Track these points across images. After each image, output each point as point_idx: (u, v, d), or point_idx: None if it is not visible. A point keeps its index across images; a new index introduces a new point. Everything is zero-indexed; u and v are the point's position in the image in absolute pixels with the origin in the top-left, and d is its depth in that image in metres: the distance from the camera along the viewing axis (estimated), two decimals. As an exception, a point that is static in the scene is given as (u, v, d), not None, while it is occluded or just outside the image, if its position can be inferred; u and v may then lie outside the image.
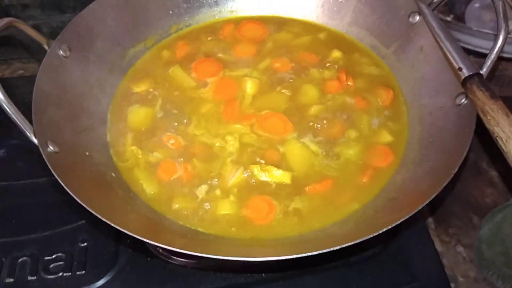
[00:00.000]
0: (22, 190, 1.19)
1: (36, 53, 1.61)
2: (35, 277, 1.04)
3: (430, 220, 1.22)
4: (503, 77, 1.55)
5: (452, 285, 1.08)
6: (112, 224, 0.83)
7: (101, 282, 1.03)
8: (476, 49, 1.46)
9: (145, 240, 0.82)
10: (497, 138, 0.87)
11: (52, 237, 1.10)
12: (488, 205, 1.27)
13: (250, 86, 1.19)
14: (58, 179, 0.87)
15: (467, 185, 1.30)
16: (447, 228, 1.22)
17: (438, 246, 1.17)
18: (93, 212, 0.85)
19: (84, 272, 1.05)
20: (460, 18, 1.62)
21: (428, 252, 1.10)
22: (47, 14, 1.60)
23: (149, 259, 1.07)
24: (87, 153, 1.04)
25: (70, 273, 1.05)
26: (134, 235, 0.82)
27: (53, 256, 1.07)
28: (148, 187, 1.03)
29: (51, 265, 1.06)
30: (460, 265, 1.16)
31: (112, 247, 1.09)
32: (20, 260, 1.07)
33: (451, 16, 1.63)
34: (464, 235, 1.21)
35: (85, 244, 1.09)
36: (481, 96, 0.93)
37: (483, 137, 1.33)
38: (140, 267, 1.06)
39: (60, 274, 1.04)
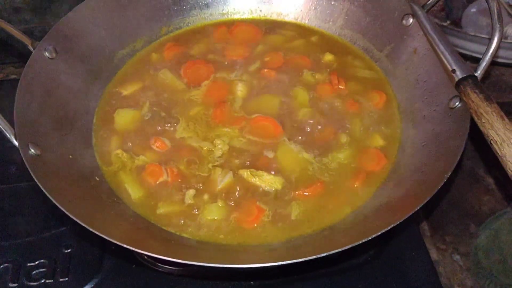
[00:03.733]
0: (5, 195, 1.17)
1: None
2: (17, 284, 1.02)
3: (426, 227, 1.20)
4: (500, 82, 1.54)
5: (449, 294, 1.05)
6: (94, 231, 0.81)
7: None
8: (473, 55, 1.44)
9: (127, 247, 0.80)
10: (491, 142, 0.85)
11: (35, 243, 1.08)
12: (485, 213, 1.25)
13: (240, 89, 1.18)
14: (38, 183, 0.85)
15: (464, 193, 1.28)
16: (444, 236, 1.20)
17: (434, 254, 1.15)
18: (74, 218, 0.82)
19: (67, 279, 1.03)
20: (457, 24, 1.60)
21: (422, 259, 1.07)
22: (40, 17, 1.59)
23: (134, 266, 1.04)
24: (70, 156, 1.02)
25: (52, 280, 1.02)
26: (116, 242, 0.80)
27: (36, 263, 1.05)
28: (133, 192, 1.01)
29: (34, 272, 1.03)
30: (457, 273, 1.14)
31: (97, 253, 1.06)
32: (1, 266, 1.04)
33: (448, 21, 1.62)
34: (461, 243, 1.19)
35: (69, 250, 1.06)
36: (475, 99, 0.91)
37: (480, 143, 1.32)
38: (125, 274, 1.03)
39: (43, 281, 1.02)
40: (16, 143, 0.91)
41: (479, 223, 1.21)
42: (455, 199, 1.27)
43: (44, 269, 1.04)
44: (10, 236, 1.09)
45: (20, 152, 0.90)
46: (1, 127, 0.91)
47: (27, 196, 1.15)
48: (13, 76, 1.59)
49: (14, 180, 1.19)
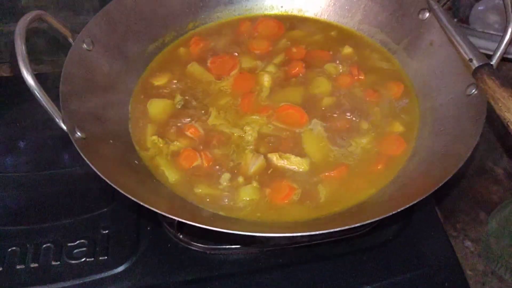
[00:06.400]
0: (47, 180, 1.22)
1: (51, 53, 1.65)
2: (59, 262, 1.07)
3: (438, 215, 1.23)
4: (507, 78, 1.58)
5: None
6: (145, 205, 0.85)
7: (123, 267, 1.06)
8: (481, 50, 1.47)
9: (167, 215, 0.85)
10: (508, 123, 0.91)
11: (75, 224, 1.13)
12: (494, 202, 1.30)
13: (267, 80, 1.23)
14: (88, 162, 0.90)
15: (474, 183, 1.34)
16: (455, 223, 1.27)
17: None
18: (118, 189, 0.87)
19: (106, 257, 1.08)
20: (464, 21, 1.65)
21: (439, 239, 1.13)
22: (63, 16, 1.63)
23: (169, 245, 1.10)
24: (111, 141, 1.07)
25: (93, 259, 1.07)
26: (158, 211, 0.85)
27: (76, 242, 1.10)
28: (170, 175, 1.06)
29: (75, 251, 1.09)
30: (468, 258, 1.21)
31: (133, 234, 1.12)
32: (44, 246, 1.09)
33: (456, 19, 1.66)
34: (472, 230, 1.25)
35: (107, 231, 1.12)
36: (491, 85, 0.96)
37: (489, 136, 1.37)
38: (160, 253, 1.09)
39: (83, 259, 1.07)
40: (64, 127, 0.95)
41: (489, 211, 1.26)
42: (465, 189, 1.33)
43: (84, 249, 1.09)
44: (51, 218, 1.14)
45: (69, 135, 0.95)
46: (51, 112, 0.95)
47: (67, 182, 1.21)
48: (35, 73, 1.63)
49: (55, 167, 1.24)
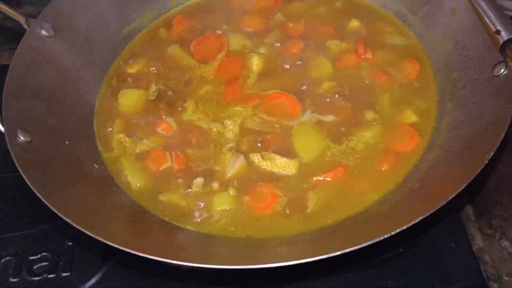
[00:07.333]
0: (6, 184, 1.14)
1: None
2: (18, 279, 0.99)
3: (470, 211, 1.15)
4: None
5: (496, 285, 1.02)
6: (87, 232, 0.79)
7: (87, 285, 0.98)
8: None
9: (120, 248, 0.76)
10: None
11: (38, 235, 1.05)
12: (536, 193, 1.16)
13: (256, 63, 1.13)
14: (22, 174, 0.82)
15: (512, 171, 1.21)
16: (491, 219, 1.14)
17: (480, 241, 1.10)
18: (63, 217, 0.79)
19: (69, 273, 1.00)
20: None
21: (462, 251, 1.00)
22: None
23: (141, 258, 0.98)
24: (67, 142, 0.98)
25: (54, 275, 1.00)
26: (110, 243, 0.77)
27: (38, 256, 1.02)
28: (133, 179, 0.98)
29: (35, 266, 1.01)
30: (506, 261, 1.08)
31: (101, 244, 0.99)
32: (3, 260, 1.02)
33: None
34: (510, 227, 1.12)
35: (73, 242, 1.03)
36: (524, 63, 0.84)
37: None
38: (131, 267, 1.00)
39: (45, 275, 1.00)
40: (2, 128, 0.87)
41: (531, 204, 1.13)
42: (502, 178, 1.18)
43: (46, 263, 1.01)
44: (12, 228, 1.07)
45: (6, 139, 0.86)
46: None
47: (29, 186, 1.11)
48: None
49: (16, 169, 1.15)
